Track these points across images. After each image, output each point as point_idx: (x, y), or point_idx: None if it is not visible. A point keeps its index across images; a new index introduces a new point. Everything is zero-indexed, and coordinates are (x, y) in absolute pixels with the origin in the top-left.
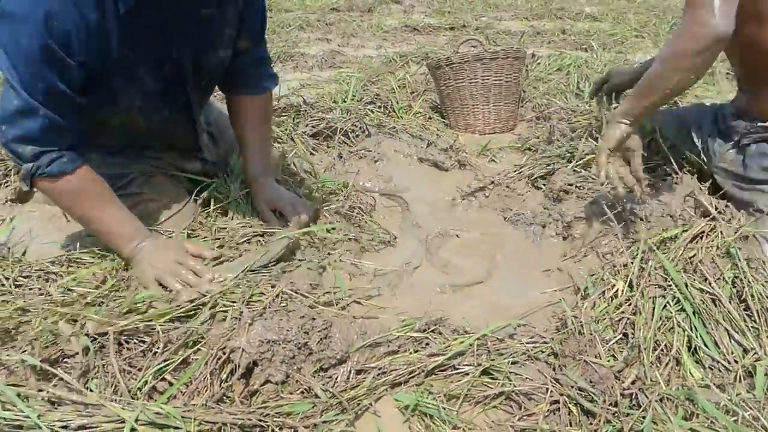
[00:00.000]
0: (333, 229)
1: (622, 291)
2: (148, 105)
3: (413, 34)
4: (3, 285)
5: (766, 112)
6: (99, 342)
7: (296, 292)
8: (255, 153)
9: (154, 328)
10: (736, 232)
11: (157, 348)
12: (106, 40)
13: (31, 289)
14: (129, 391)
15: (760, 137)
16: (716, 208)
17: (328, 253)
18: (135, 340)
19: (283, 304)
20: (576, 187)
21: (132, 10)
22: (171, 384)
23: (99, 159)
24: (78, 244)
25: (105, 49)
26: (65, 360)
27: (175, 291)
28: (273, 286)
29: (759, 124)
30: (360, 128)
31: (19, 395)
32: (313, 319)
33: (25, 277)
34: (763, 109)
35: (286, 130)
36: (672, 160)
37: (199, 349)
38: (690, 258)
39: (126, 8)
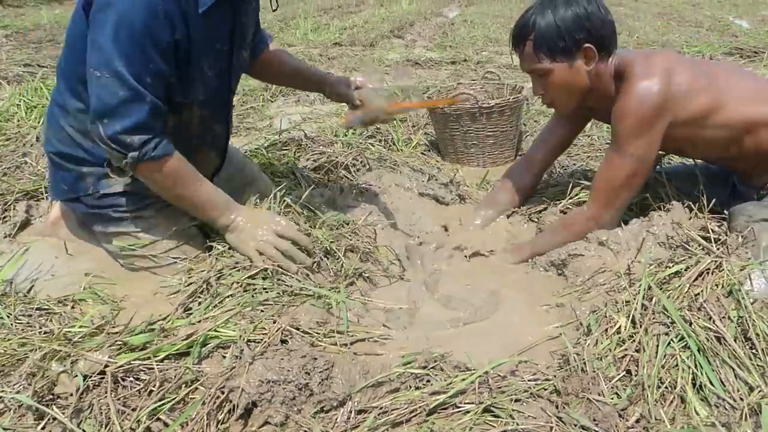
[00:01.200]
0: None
1: (625, 328)
2: (204, 99)
3: (415, 68)
4: (4, 322)
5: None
6: (94, 380)
7: (298, 329)
8: (311, 69)
9: (151, 367)
10: (741, 270)
11: (153, 387)
12: (189, 31)
13: (30, 326)
14: None
15: None
16: (711, 232)
17: (338, 290)
18: (131, 378)
19: (284, 342)
20: (561, 211)
21: (209, 11)
22: (166, 425)
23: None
24: (82, 284)
25: (188, 38)
26: (59, 398)
27: (276, 261)
28: (274, 322)
29: None
30: (361, 162)
31: None
32: (315, 359)
33: (26, 315)
34: (765, 181)
35: (287, 164)
36: (667, 188)
37: (196, 389)
38: (695, 296)
39: (204, 9)
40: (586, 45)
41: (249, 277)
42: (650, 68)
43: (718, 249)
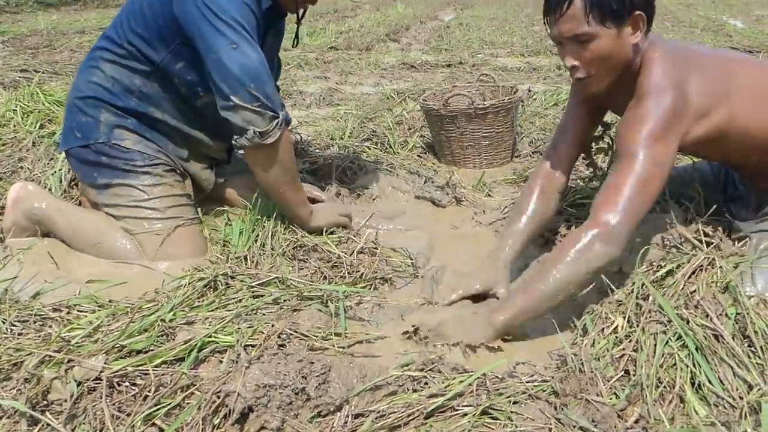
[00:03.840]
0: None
1: (622, 327)
2: None
3: (410, 71)
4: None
5: None
6: (89, 385)
7: (296, 333)
8: None
9: (147, 372)
10: (735, 267)
11: (149, 392)
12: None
13: (26, 332)
14: None
15: None
16: (705, 235)
17: (345, 294)
18: (127, 384)
19: (282, 347)
20: (565, 220)
21: (268, 10)
22: (162, 430)
23: (138, 136)
24: (79, 290)
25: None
26: (53, 404)
27: (346, 224)
28: (272, 326)
29: None
30: (357, 165)
31: None
32: (312, 362)
33: (22, 321)
34: None
35: None
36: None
37: (192, 393)
38: (691, 293)
39: (267, 6)
40: (638, 13)
41: (260, 284)
42: (666, 76)
43: (709, 248)
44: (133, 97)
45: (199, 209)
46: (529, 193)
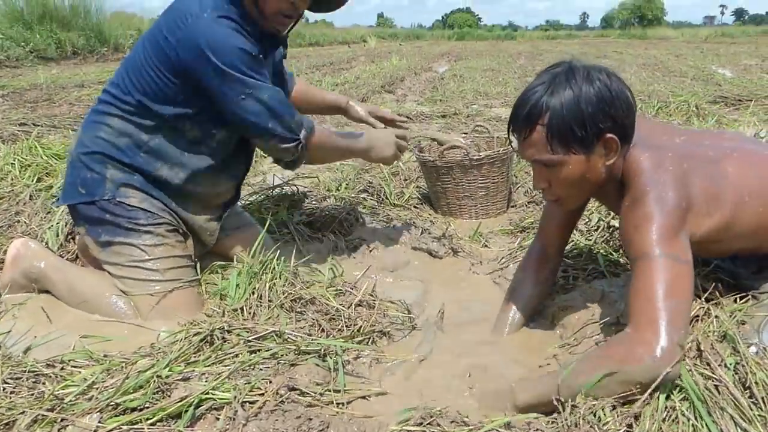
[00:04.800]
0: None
1: None
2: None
3: (406, 122)
4: None
5: None
6: None
7: (294, 389)
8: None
9: (142, 430)
10: (731, 316)
11: None
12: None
13: (19, 390)
14: None
15: None
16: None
17: (343, 349)
18: None
19: (279, 403)
20: (562, 271)
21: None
22: None
23: (144, 194)
24: (73, 346)
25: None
26: None
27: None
28: (270, 382)
29: None
30: (354, 217)
31: None
32: (310, 419)
33: (15, 379)
34: None
35: (281, 219)
36: None
37: None
38: (689, 343)
39: (257, 52)
40: (609, 135)
41: (257, 338)
42: (663, 171)
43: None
44: (141, 152)
45: (198, 264)
46: (522, 283)
